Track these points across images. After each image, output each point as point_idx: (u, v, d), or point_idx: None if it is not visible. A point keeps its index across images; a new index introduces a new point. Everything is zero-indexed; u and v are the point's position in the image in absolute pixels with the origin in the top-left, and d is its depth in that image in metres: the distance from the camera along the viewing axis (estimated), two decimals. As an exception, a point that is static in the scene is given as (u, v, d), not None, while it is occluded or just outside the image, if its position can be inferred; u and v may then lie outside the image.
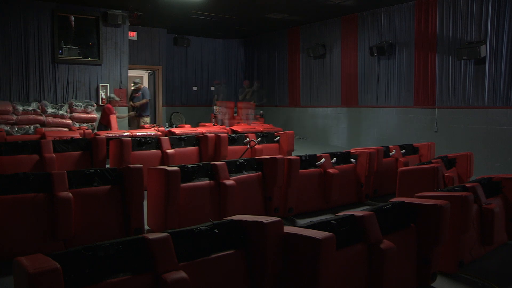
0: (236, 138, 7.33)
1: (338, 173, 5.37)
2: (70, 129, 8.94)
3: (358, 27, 10.80)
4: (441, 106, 8.86)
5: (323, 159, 5.33)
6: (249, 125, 10.58)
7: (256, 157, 5.14)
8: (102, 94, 10.78)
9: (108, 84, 10.91)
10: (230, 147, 7.06)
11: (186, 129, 9.52)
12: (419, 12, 9.25)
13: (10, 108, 8.81)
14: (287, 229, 2.58)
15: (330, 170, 5.33)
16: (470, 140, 8.25)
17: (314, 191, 5.28)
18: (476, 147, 8.12)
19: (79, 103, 9.90)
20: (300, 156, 5.21)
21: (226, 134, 7.46)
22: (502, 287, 3.35)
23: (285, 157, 5.01)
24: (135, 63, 12.59)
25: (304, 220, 4.83)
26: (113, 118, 9.39)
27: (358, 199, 5.77)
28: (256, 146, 7.25)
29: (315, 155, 5.47)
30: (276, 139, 7.83)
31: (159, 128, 9.39)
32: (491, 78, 7.96)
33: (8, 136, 7.74)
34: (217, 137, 6.94)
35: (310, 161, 5.34)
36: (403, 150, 6.57)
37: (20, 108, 8.94)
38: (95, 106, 10.21)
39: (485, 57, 7.98)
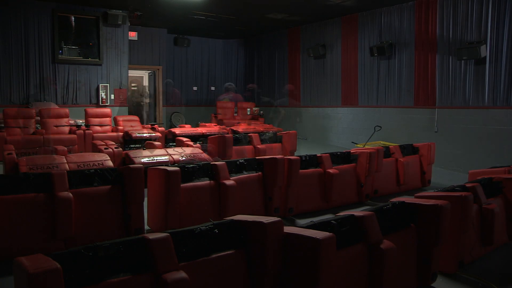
0: (240, 139, 7.35)
1: (338, 173, 5.37)
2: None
3: (358, 27, 10.80)
4: (441, 106, 8.86)
5: None
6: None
7: (256, 157, 5.14)
8: (102, 94, 10.78)
9: (108, 84, 10.92)
10: (234, 147, 7.08)
11: (186, 129, 9.53)
12: (419, 12, 9.25)
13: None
14: (287, 229, 2.58)
15: (330, 170, 5.33)
16: (470, 140, 8.25)
17: (314, 191, 5.28)
18: (476, 147, 8.13)
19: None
20: (300, 156, 5.21)
21: (231, 135, 7.48)
22: (502, 287, 3.35)
23: (285, 157, 5.01)
24: (135, 63, 12.59)
25: (304, 220, 4.83)
26: None
27: (358, 199, 5.77)
28: (259, 146, 7.27)
29: (315, 155, 5.47)
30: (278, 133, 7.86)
31: (159, 128, 9.39)
32: (491, 78, 7.96)
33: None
34: (222, 137, 6.97)
35: (310, 161, 5.34)
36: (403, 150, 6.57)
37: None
38: None
39: (485, 57, 7.98)
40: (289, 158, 4.94)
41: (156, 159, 6.31)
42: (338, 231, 2.64)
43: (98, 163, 5.89)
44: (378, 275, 2.76)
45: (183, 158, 6.45)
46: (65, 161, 5.72)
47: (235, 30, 13.70)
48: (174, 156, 6.46)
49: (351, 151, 5.95)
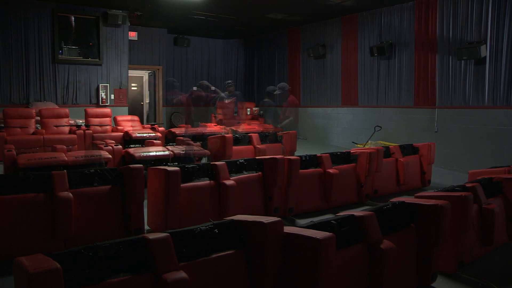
0: (240, 139, 7.34)
1: (338, 173, 5.37)
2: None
3: (358, 27, 10.80)
4: (441, 106, 8.86)
5: None
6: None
7: (256, 157, 5.14)
8: (102, 94, 10.79)
9: (108, 84, 10.92)
10: (234, 147, 7.07)
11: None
12: (419, 12, 9.25)
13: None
14: (287, 229, 2.58)
15: (330, 170, 5.32)
16: (470, 140, 8.25)
17: (315, 191, 5.28)
18: (476, 147, 8.13)
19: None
20: (300, 156, 5.21)
21: (231, 135, 7.47)
22: (502, 287, 3.35)
23: (285, 157, 5.01)
24: (135, 63, 12.59)
25: (304, 220, 4.83)
26: None
27: (358, 199, 5.77)
28: (259, 146, 7.27)
29: (315, 155, 5.47)
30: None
31: (159, 128, 9.39)
32: (491, 78, 7.96)
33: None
34: (222, 137, 6.96)
35: (310, 161, 5.33)
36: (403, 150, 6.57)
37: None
38: None
39: (485, 57, 7.98)
40: (289, 158, 4.94)
41: (156, 154, 6.31)
42: (338, 231, 2.64)
43: (97, 155, 5.93)
44: (378, 275, 2.76)
45: (183, 152, 6.46)
46: (64, 155, 5.75)
47: (235, 30, 13.70)
48: (174, 151, 6.46)
49: (351, 151, 5.95)
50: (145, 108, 14.22)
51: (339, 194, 5.41)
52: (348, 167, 5.68)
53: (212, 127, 10.33)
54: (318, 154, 5.50)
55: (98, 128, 9.28)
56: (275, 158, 4.79)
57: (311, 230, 2.51)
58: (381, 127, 8.74)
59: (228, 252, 2.54)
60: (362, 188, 5.74)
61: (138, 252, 2.24)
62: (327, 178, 5.32)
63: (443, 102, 8.81)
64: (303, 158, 5.24)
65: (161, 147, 6.92)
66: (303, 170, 5.14)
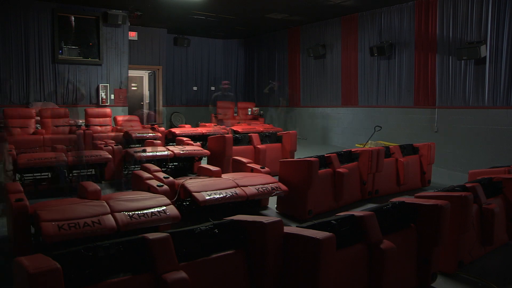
0: (240, 139, 7.33)
1: (348, 172, 5.36)
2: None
3: (358, 27, 10.80)
4: (441, 106, 8.86)
5: None
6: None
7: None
8: (102, 94, 10.78)
9: (108, 84, 10.91)
10: (234, 147, 7.05)
11: (186, 129, 9.52)
12: (419, 12, 9.25)
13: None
14: (287, 229, 2.58)
15: (340, 170, 5.31)
16: (470, 140, 8.25)
17: (328, 191, 5.27)
18: (476, 147, 8.13)
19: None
20: (310, 157, 5.19)
21: (231, 135, 7.46)
22: (502, 287, 3.35)
23: (304, 158, 4.99)
24: (135, 63, 12.59)
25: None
26: None
27: (362, 196, 5.80)
28: (259, 146, 7.26)
29: (323, 155, 5.46)
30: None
31: (159, 128, 9.39)
32: (491, 78, 7.95)
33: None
34: (222, 137, 6.95)
35: (320, 161, 5.29)
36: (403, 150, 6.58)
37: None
38: None
39: (485, 57, 7.98)
40: (309, 160, 4.89)
41: (156, 153, 6.30)
42: (338, 231, 2.64)
43: (96, 155, 5.93)
44: (378, 275, 2.76)
45: (184, 152, 6.46)
46: (64, 155, 5.74)
47: (235, 30, 13.70)
48: (174, 151, 6.46)
49: (352, 150, 5.96)
50: (145, 108, 14.21)
51: (347, 193, 5.42)
52: (352, 166, 5.69)
53: (212, 127, 10.33)
54: (326, 154, 5.49)
55: (98, 128, 9.28)
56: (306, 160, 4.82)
57: (311, 230, 2.51)
58: (381, 127, 8.73)
59: (228, 252, 2.54)
60: (365, 186, 5.76)
61: (138, 252, 2.24)
62: (337, 178, 5.30)
63: (443, 102, 8.81)
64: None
65: (161, 147, 6.92)
66: (319, 171, 5.09)
